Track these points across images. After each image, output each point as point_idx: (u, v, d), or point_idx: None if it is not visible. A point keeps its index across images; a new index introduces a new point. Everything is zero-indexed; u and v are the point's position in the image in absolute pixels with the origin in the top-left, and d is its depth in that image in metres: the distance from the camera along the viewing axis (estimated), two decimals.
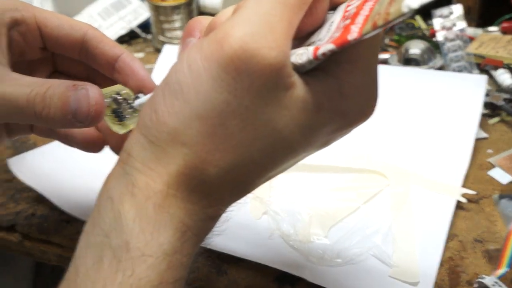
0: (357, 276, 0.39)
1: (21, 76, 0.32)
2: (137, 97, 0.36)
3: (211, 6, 0.79)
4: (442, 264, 0.41)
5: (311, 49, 0.25)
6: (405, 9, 0.21)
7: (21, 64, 0.35)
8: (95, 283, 0.25)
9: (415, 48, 0.64)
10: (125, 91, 0.36)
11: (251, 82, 0.25)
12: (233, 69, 0.25)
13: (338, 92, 0.27)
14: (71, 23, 0.36)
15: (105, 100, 0.34)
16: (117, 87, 0.36)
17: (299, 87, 0.26)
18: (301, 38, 0.28)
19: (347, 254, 0.41)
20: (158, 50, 0.75)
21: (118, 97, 0.35)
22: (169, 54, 0.70)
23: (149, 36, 0.79)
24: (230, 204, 0.29)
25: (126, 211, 0.26)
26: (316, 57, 0.25)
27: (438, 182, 0.48)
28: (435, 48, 0.65)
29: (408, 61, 0.64)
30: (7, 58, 0.34)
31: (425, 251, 0.41)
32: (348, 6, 0.27)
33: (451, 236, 0.43)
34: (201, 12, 0.78)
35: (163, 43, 0.74)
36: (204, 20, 0.31)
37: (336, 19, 0.27)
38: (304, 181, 0.50)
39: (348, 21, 0.25)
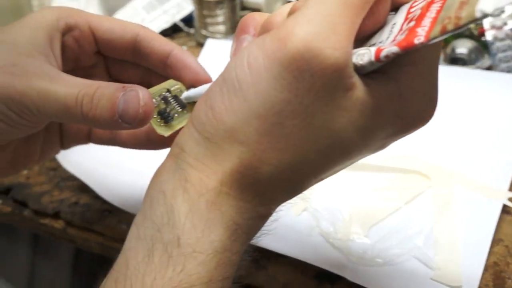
0: (397, 277, 0.39)
1: (72, 77, 0.32)
2: None
3: (254, 1, 0.79)
4: (486, 269, 0.40)
5: (373, 50, 0.25)
6: (478, 14, 0.20)
7: (77, 72, 0.36)
8: (145, 276, 0.25)
9: (462, 47, 0.63)
10: (177, 86, 0.36)
11: (313, 82, 0.25)
12: (295, 68, 0.25)
13: (398, 96, 0.26)
14: (122, 25, 0.37)
15: (153, 99, 0.34)
16: (167, 83, 0.35)
17: (359, 89, 0.25)
18: (361, 39, 0.27)
19: (388, 255, 0.40)
20: (200, 44, 0.75)
21: (168, 95, 0.35)
22: (212, 49, 0.70)
23: (191, 30, 0.80)
24: (281, 203, 0.29)
25: (178, 206, 0.26)
26: (378, 59, 0.25)
27: (484, 185, 0.47)
28: (483, 47, 0.64)
29: (454, 60, 0.63)
30: (60, 62, 0.34)
31: (469, 255, 0.40)
32: (412, 7, 0.26)
33: (496, 241, 0.42)
34: (244, 7, 0.79)
35: (206, 37, 0.75)
36: (258, 16, 0.31)
37: (398, 21, 0.26)
38: (345, 179, 0.49)
39: (412, 23, 0.24)
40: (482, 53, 0.63)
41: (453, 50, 0.63)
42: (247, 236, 0.28)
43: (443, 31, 0.22)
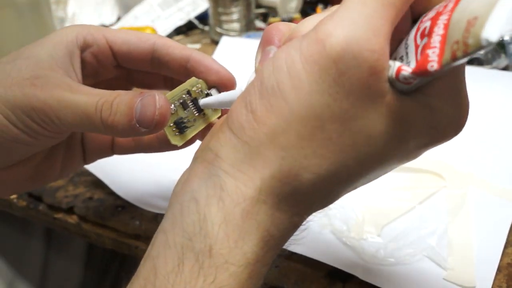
0: (410, 277, 0.39)
1: (92, 88, 0.33)
2: (208, 94, 0.36)
3: None
4: (500, 270, 0.40)
5: (396, 66, 0.25)
6: (484, 43, 0.20)
7: (98, 86, 0.37)
8: (174, 286, 0.25)
9: None
10: (198, 84, 0.36)
11: (352, 85, 0.24)
12: (334, 71, 0.24)
13: (428, 107, 0.26)
14: (138, 36, 0.37)
15: (172, 105, 0.34)
16: (188, 82, 0.35)
17: (394, 95, 0.25)
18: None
19: (400, 254, 0.41)
20: (214, 42, 0.76)
21: (187, 97, 0.35)
22: (227, 46, 0.70)
23: (206, 28, 0.81)
24: (314, 212, 0.28)
25: (212, 215, 0.26)
26: (397, 79, 0.25)
27: (498, 186, 0.46)
28: (500, 47, 0.63)
29: (470, 60, 0.62)
30: (80, 77, 0.35)
31: (482, 256, 0.40)
32: (425, 16, 0.26)
33: (510, 242, 0.42)
34: (259, 5, 0.79)
35: (220, 34, 0.75)
36: (283, 27, 0.30)
37: (412, 30, 0.26)
38: None
39: (425, 40, 0.24)
40: (499, 53, 0.63)
41: None
42: (278, 247, 0.28)
43: (454, 58, 0.22)
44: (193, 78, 0.36)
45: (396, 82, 0.25)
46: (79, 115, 0.31)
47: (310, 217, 0.29)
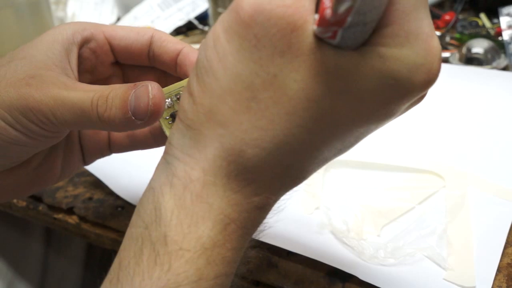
0: (410, 277, 0.39)
1: (87, 85, 0.32)
2: None
3: None
4: (499, 270, 0.39)
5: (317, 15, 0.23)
6: None
7: (96, 84, 0.37)
8: (134, 276, 0.25)
9: (478, 47, 0.62)
10: None
11: (274, 47, 0.23)
12: (252, 36, 0.24)
13: (377, 56, 0.23)
14: (137, 30, 0.37)
15: (168, 99, 0.34)
16: (186, 81, 0.35)
17: (327, 50, 0.23)
18: None
19: (400, 254, 0.40)
20: None
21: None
22: None
23: (206, 28, 0.80)
24: (282, 192, 0.27)
25: (165, 202, 0.25)
26: (318, 25, 0.23)
27: (498, 186, 0.46)
28: (499, 47, 0.63)
29: (470, 60, 0.62)
30: (77, 75, 0.35)
31: (482, 256, 0.40)
32: None
33: (510, 242, 0.42)
34: None
35: None
36: None
37: None
38: (357, 178, 0.49)
39: None
40: (499, 53, 0.63)
41: (469, 49, 0.63)
42: (244, 231, 0.26)
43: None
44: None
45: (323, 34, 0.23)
46: (75, 112, 0.31)
47: (287, 197, 0.28)
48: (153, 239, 0.25)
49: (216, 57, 0.25)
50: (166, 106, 0.34)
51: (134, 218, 0.27)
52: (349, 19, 0.21)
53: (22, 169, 0.36)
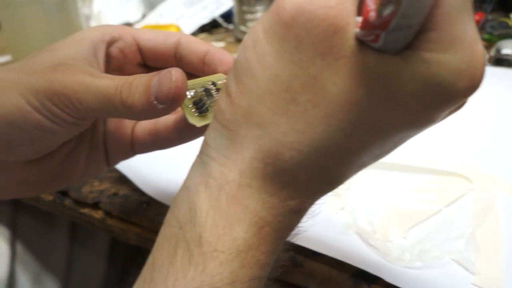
0: (436, 281, 0.38)
1: (113, 75, 0.33)
2: None
3: None
4: None
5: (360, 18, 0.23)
6: None
7: None
8: (168, 276, 0.24)
9: (508, 48, 0.61)
10: (225, 80, 0.36)
11: (315, 49, 0.23)
12: (293, 37, 0.23)
13: (421, 62, 0.23)
14: (165, 33, 0.37)
15: (192, 91, 0.33)
16: (215, 76, 0.36)
17: (369, 54, 0.23)
18: None
19: (427, 257, 0.40)
20: (239, 40, 0.76)
21: (211, 87, 0.35)
22: None
23: (230, 26, 0.80)
24: (317, 196, 0.27)
25: (200, 202, 0.25)
26: (361, 27, 0.22)
27: None
28: None
29: (499, 61, 0.61)
30: (103, 70, 0.36)
31: (511, 261, 0.39)
32: None
33: None
34: None
35: (244, 33, 0.75)
36: None
37: None
38: (383, 179, 0.49)
39: None
40: None
41: (498, 51, 0.61)
42: (278, 234, 0.26)
43: (384, 2, 0.20)
44: (221, 74, 0.36)
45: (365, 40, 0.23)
46: (99, 97, 0.31)
47: (322, 201, 0.27)
48: (187, 239, 0.25)
49: (255, 57, 0.25)
50: (189, 96, 0.33)
51: (168, 217, 0.27)
52: (393, 22, 0.21)
53: (46, 162, 0.36)
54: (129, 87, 0.31)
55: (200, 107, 0.34)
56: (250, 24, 0.76)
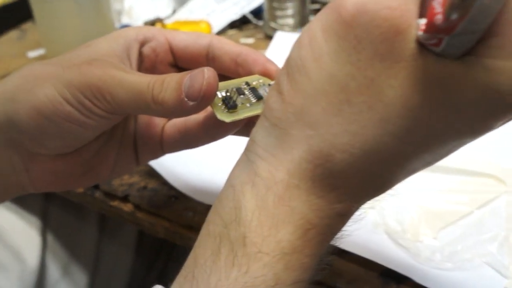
0: (467, 283, 0.38)
1: (145, 74, 0.33)
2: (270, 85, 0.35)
3: None
4: None
5: (421, 26, 0.22)
6: None
7: None
8: (211, 275, 0.24)
9: None
10: (260, 80, 0.35)
11: (374, 50, 0.23)
12: (353, 37, 0.23)
13: (481, 68, 0.22)
14: (197, 34, 0.38)
15: (224, 92, 0.33)
16: (250, 77, 0.35)
17: (429, 58, 0.22)
18: None
19: (458, 259, 0.39)
20: (268, 37, 0.75)
21: (244, 87, 0.35)
22: (281, 41, 0.70)
23: (260, 23, 0.80)
24: (364, 200, 0.27)
25: (246, 201, 0.25)
26: (424, 31, 0.22)
27: None
28: None
29: None
30: (135, 68, 0.36)
31: None
32: None
33: None
34: (314, 1, 0.78)
35: (274, 30, 0.75)
36: None
37: None
38: (413, 178, 0.48)
39: None
40: None
41: None
42: (323, 237, 0.26)
43: (453, 5, 0.19)
44: (257, 75, 0.36)
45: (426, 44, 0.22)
46: (131, 92, 0.32)
47: (367, 205, 0.27)
48: (231, 239, 0.25)
49: (311, 56, 0.24)
50: (220, 95, 0.33)
51: (212, 215, 0.26)
52: (459, 27, 0.20)
53: (76, 157, 0.37)
54: (161, 84, 0.31)
55: (231, 104, 0.33)
56: (280, 21, 0.75)
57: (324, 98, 0.24)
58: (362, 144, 0.24)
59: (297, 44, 0.25)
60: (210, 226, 0.26)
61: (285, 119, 0.25)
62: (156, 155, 0.42)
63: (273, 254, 0.24)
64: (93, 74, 0.32)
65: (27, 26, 0.90)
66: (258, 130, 0.26)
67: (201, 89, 0.30)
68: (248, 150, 0.27)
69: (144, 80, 0.32)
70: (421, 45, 0.22)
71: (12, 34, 0.87)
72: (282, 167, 0.25)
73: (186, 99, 0.31)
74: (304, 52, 0.25)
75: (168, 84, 0.31)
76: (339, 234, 0.27)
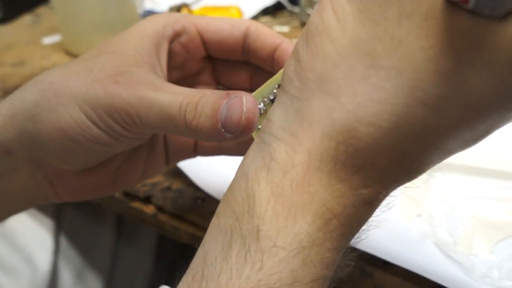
0: None
1: (176, 87, 0.33)
2: None
3: None
4: None
5: None
6: None
7: (183, 80, 0.38)
8: (221, 274, 0.24)
9: None
10: None
11: (401, 7, 0.23)
12: None
13: None
14: (231, 22, 0.37)
15: (261, 104, 0.33)
16: (280, 74, 0.35)
17: (462, 16, 0.22)
18: None
19: None
20: (305, 25, 0.76)
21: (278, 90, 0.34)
22: None
23: (296, 9, 0.80)
24: (392, 187, 0.26)
25: (260, 190, 0.24)
26: None
27: None
28: None
29: None
30: (165, 71, 0.36)
31: None
32: None
33: None
34: None
35: None
36: None
37: None
38: (467, 185, 0.48)
39: None
40: None
41: None
42: (347, 229, 0.25)
43: None
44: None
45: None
46: (161, 115, 0.32)
47: (396, 193, 0.26)
48: (244, 233, 0.24)
49: (333, 18, 0.24)
50: (258, 114, 0.33)
51: (223, 207, 0.26)
52: None
53: (103, 169, 0.38)
54: (194, 107, 0.31)
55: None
56: None
57: (347, 63, 0.24)
58: (390, 115, 0.23)
59: (318, 8, 0.25)
60: (221, 219, 0.26)
61: (304, 88, 0.25)
62: (188, 157, 0.42)
63: (290, 248, 0.24)
64: (120, 96, 0.32)
65: (41, 10, 0.91)
66: (275, 107, 0.26)
67: (240, 124, 0.30)
68: (263, 131, 0.26)
69: (175, 101, 0.32)
70: (450, 2, 0.22)
71: (26, 19, 0.89)
72: (302, 147, 0.24)
73: (222, 130, 0.31)
74: (325, 14, 0.25)
75: (203, 109, 0.31)
76: (364, 226, 0.26)
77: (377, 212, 0.26)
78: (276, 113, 0.26)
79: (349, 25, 0.24)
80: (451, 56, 0.22)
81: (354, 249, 0.28)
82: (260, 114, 0.33)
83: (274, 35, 0.37)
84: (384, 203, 0.26)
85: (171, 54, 0.37)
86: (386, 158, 0.24)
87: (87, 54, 0.35)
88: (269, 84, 0.33)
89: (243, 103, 0.30)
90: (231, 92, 0.31)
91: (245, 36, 0.37)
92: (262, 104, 0.33)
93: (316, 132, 0.24)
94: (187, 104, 0.31)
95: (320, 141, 0.24)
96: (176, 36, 0.37)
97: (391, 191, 0.26)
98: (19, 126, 0.35)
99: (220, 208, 0.26)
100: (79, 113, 0.33)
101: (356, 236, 0.27)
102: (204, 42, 0.38)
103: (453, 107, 0.23)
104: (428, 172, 0.48)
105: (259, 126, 0.32)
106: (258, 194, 0.24)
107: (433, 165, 0.26)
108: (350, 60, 0.24)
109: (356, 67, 0.24)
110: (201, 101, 0.31)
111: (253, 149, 0.26)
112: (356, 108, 0.23)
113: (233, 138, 0.31)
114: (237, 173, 0.27)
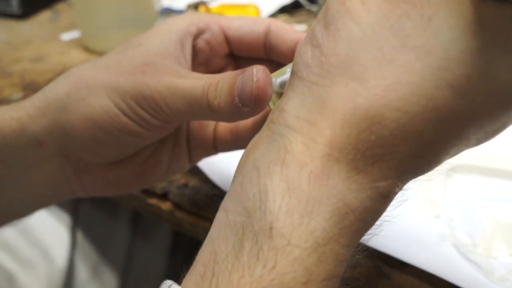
0: None
1: (200, 74, 0.34)
2: None
3: None
4: None
5: None
6: None
7: None
8: (232, 272, 0.23)
9: None
10: None
11: None
12: None
13: None
14: (253, 20, 0.38)
15: (279, 78, 0.33)
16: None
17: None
18: None
19: None
20: None
21: None
22: None
23: (313, 8, 0.80)
24: (409, 178, 0.25)
25: (274, 185, 0.23)
26: None
27: None
28: None
29: None
30: (190, 65, 0.37)
31: None
32: None
33: None
34: None
35: None
36: None
37: None
38: (487, 186, 0.47)
39: None
40: None
41: None
42: (362, 225, 0.24)
43: None
44: None
45: None
46: (187, 100, 0.33)
47: (411, 185, 0.25)
48: (256, 230, 0.23)
49: None
50: (276, 88, 0.33)
51: (231, 202, 0.25)
52: None
53: (128, 163, 0.39)
54: (214, 88, 0.32)
55: None
56: None
57: (374, 44, 0.23)
58: (418, 99, 0.23)
59: None
60: (231, 216, 0.25)
61: (326, 74, 0.24)
62: (209, 154, 0.43)
63: (305, 246, 0.23)
64: (147, 84, 0.33)
65: (60, 6, 0.92)
66: (289, 96, 0.25)
67: (252, 93, 0.30)
68: (274, 122, 0.25)
69: (198, 85, 0.32)
70: None
71: (45, 15, 0.90)
72: (321, 136, 0.23)
73: (240, 104, 0.31)
74: None
75: (222, 88, 0.31)
76: (378, 222, 0.25)
77: (390, 207, 0.26)
78: (291, 102, 0.25)
79: (375, 4, 0.23)
80: (477, 35, 0.22)
81: (366, 248, 0.27)
82: (281, 93, 0.32)
83: (295, 31, 0.38)
84: (399, 195, 0.26)
85: (196, 50, 0.38)
86: (408, 146, 0.23)
87: (116, 49, 0.37)
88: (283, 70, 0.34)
89: (253, 73, 0.30)
90: (246, 68, 0.31)
91: (266, 34, 0.38)
92: (280, 80, 0.32)
93: (337, 119, 0.23)
94: (209, 85, 0.32)
95: (341, 128, 0.23)
96: (200, 33, 0.38)
97: (406, 183, 0.25)
98: (51, 117, 0.35)
99: (227, 203, 0.26)
100: (108, 102, 0.34)
101: (368, 232, 0.26)
102: (227, 39, 0.39)
103: (478, 91, 0.23)
104: (446, 173, 0.48)
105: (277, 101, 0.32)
106: (272, 189, 0.23)
107: (450, 157, 0.25)
108: (378, 41, 0.23)
109: (384, 49, 0.23)
110: (221, 81, 0.32)
111: (263, 142, 0.25)
112: (383, 92, 0.23)
113: (251, 112, 0.31)
114: (245, 167, 0.26)
